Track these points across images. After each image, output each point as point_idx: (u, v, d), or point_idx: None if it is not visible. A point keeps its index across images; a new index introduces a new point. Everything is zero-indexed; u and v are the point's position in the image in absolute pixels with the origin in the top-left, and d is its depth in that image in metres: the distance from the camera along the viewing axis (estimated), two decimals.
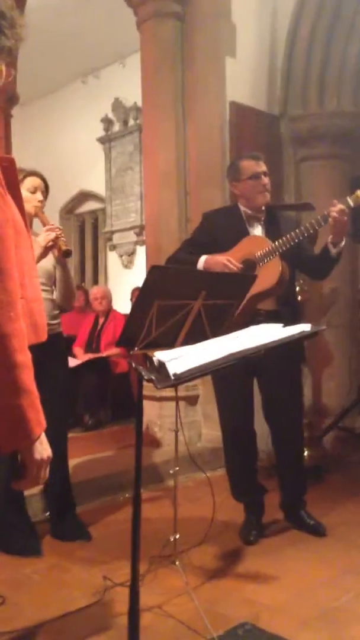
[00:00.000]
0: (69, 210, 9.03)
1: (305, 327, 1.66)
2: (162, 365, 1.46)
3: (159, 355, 1.54)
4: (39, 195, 2.76)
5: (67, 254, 2.60)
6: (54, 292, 2.91)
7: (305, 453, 3.52)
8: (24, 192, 2.66)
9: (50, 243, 2.58)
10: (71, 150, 8.33)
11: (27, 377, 1.06)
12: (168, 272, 2.24)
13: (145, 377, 1.48)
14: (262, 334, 1.58)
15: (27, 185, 2.72)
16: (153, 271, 2.08)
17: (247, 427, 2.97)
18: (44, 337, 1.28)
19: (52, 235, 2.58)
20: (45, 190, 2.82)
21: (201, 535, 2.79)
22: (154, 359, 1.56)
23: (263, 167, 2.89)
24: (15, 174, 1.24)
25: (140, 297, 2.09)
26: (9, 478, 2.74)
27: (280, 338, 1.56)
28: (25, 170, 2.78)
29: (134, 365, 1.56)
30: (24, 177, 2.74)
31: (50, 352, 2.58)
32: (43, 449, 1.14)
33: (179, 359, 1.51)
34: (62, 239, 2.60)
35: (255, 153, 2.96)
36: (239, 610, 2.22)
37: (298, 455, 3.08)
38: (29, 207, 2.67)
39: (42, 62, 7.19)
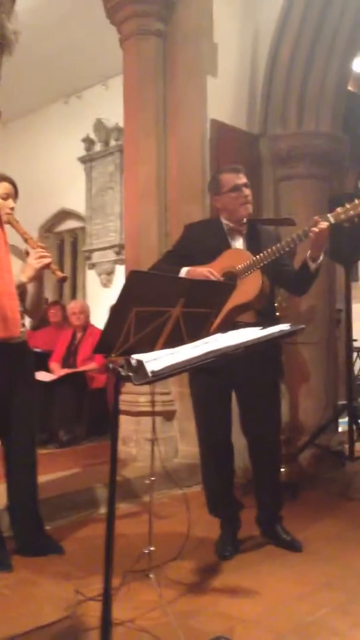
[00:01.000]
0: (48, 228, 9.02)
1: (285, 327, 1.66)
2: (140, 364, 1.44)
3: (138, 356, 1.52)
4: (10, 203, 2.71)
5: (63, 280, 2.63)
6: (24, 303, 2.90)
7: (282, 470, 3.50)
8: None
9: (45, 268, 2.59)
10: (52, 169, 8.36)
11: None
12: (147, 277, 2.23)
13: (123, 373, 1.46)
14: (241, 334, 1.58)
15: None
16: (132, 276, 2.07)
17: (225, 440, 2.95)
18: (14, 332, 1.31)
19: (47, 261, 2.58)
20: (15, 195, 2.77)
21: (176, 550, 2.75)
22: (132, 360, 1.55)
23: (243, 179, 2.90)
24: None
25: (119, 302, 2.07)
26: None
27: (260, 336, 1.56)
28: None
29: (110, 364, 1.54)
30: None
31: (15, 361, 2.55)
32: None
33: (157, 360, 1.50)
34: (52, 264, 2.62)
35: (235, 166, 2.97)
36: (214, 624, 2.18)
37: (275, 469, 3.06)
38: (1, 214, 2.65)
39: (25, 81, 7.23)
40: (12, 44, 1.42)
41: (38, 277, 2.71)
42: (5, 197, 2.69)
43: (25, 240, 2.64)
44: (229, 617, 2.24)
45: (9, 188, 2.73)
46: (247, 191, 2.90)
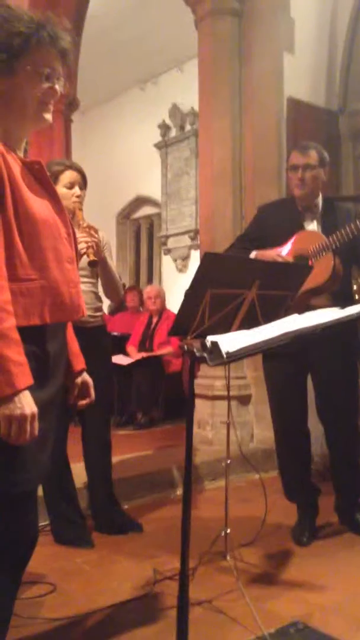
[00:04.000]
0: (125, 215, 9.16)
1: None
2: (214, 345, 1.43)
3: (212, 338, 1.51)
4: (76, 190, 2.71)
5: (92, 264, 2.56)
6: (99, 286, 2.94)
7: None
8: (61, 189, 2.65)
9: (83, 251, 2.57)
10: (128, 156, 8.46)
11: None
12: (222, 259, 2.21)
13: (197, 354, 1.46)
14: (319, 315, 1.53)
15: (63, 181, 2.69)
16: (206, 258, 2.06)
17: (300, 425, 2.90)
18: (74, 316, 1.43)
19: (83, 245, 2.54)
20: (84, 183, 2.77)
21: (253, 534, 2.74)
22: (207, 341, 1.54)
23: (304, 160, 2.74)
24: (45, 174, 1.48)
25: (193, 284, 2.06)
26: (58, 473, 2.79)
27: (339, 317, 1.51)
28: (63, 164, 2.77)
29: (184, 345, 1.54)
30: (61, 171, 2.71)
31: (92, 344, 2.60)
32: (16, 407, 1.28)
33: (232, 341, 1.48)
34: (91, 249, 2.56)
35: (306, 143, 2.83)
36: (291, 608, 2.16)
37: (353, 456, 2.96)
38: (66, 203, 2.66)
39: (102, 70, 7.35)
40: (70, 53, 1.47)
41: (102, 262, 2.70)
42: (70, 186, 2.70)
43: (79, 226, 2.65)
44: (306, 602, 2.21)
45: (75, 176, 2.73)
46: (302, 173, 2.73)
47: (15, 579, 1.49)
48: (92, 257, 2.53)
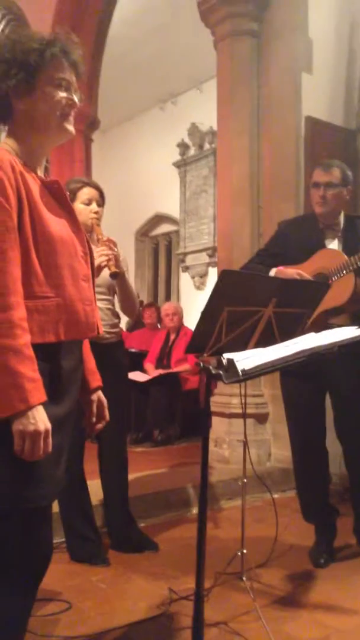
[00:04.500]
0: (144, 232, 9.24)
1: None
2: (230, 362, 1.43)
3: (229, 355, 1.51)
4: (93, 207, 2.74)
5: (114, 275, 2.58)
6: (115, 303, 2.95)
7: None
8: (79, 205, 2.69)
9: (104, 264, 2.59)
10: (148, 174, 8.56)
11: (11, 358, 1.27)
12: (239, 277, 2.21)
13: (213, 372, 1.46)
14: (335, 334, 1.53)
15: (81, 197, 2.73)
16: (224, 275, 2.06)
17: (319, 445, 2.86)
18: (89, 334, 1.44)
19: (104, 258, 2.56)
20: (102, 200, 2.79)
21: (269, 555, 2.71)
22: (223, 358, 1.54)
23: (326, 178, 2.73)
24: (63, 193, 1.50)
25: (210, 301, 2.06)
26: (74, 489, 2.79)
27: (355, 336, 1.50)
28: (81, 181, 2.80)
29: (200, 362, 1.54)
30: (79, 188, 2.74)
31: (108, 360, 2.60)
32: (29, 423, 1.29)
33: (248, 359, 1.48)
34: (112, 262, 2.57)
35: (329, 161, 2.83)
36: (308, 631, 2.12)
37: None
38: (84, 219, 2.68)
39: (122, 90, 7.47)
40: (81, 65, 1.52)
41: (121, 275, 2.71)
42: (88, 202, 2.74)
43: (98, 241, 2.68)
44: (324, 625, 2.17)
45: (93, 193, 2.76)
46: (323, 191, 2.72)
47: (29, 595, 1.49)
48: (113, 270, 2.54)
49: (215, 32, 4.40)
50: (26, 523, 1.41)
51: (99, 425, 1.70)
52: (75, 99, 1.51)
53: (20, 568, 1.43)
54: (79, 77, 1.53)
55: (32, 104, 1.46)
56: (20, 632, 1.47)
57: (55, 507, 2.71)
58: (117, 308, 3.00)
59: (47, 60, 1.45)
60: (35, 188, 1.42)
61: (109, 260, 2.56)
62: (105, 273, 2.75)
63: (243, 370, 1.39)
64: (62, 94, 1.48)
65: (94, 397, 1.68)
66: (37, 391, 1.30)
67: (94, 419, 1.68)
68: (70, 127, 1.51)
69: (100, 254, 2.56)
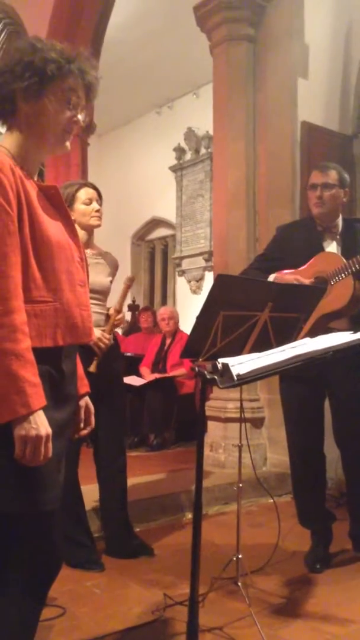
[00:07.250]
0: (140, 236, 9.24)
1: None
2: (225, 367, 1.43)
3: (224, 360, 1.51)
4: (95, 205, 2.74)
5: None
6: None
7: None
8: (80, 206, 2.70)
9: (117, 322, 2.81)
10: (144, 178, 8.56)
11: (13, 363, 1.26)
12: (234, 281, 2.21)
13: (208, 377, 1.45)
14: (331, 339, 1.53)
15: (81, 198, 2.72)
16: (219, 280, 2.06)
17: (316, 448, 2.85)
18: (85, 339, 1.44)
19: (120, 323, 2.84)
20: (100, 199, 2.79)
21: (264, 559, 2.70)
22: (218, 363, 1.54)
23: (323, 179, 2.75)
24: (59, 198, 1.50)
25: (206, 306, 2.06)
26: (68, 495, 2.77)
27: (350, 340, 1.50)
28: (77, 183, 2.80)
29: (196, 367, 1.54)
30: (78, 189, 2.73)
31: (102, 365, 2.60)
32: (31, 427, 1.28)
33: (243, 363, 1.48)
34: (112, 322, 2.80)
35: (326, 163, 2.84)
36: (303, 637, 2.11)
37: None
38: (87, 219, 2.70)
39: (118, 94, 7.47)
40: (95, 89, 1.52)
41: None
42: (89, 202, 2.73)
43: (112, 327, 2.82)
44: (319, 631, 2.17)
45: (91, 192, 2.75)
46: (320, 192, 2.73)
47: (41, 599, 1.49)
48: (93, 369, 2.63)
49: (212, 37, 4.42)
50: (35, 527, 1.41)
51: (84, 432, 1.69)
52: (81, 118, 1.51)
53: (32, 572, 1.43)
54: (89, 101, 1.52)
55: (37, 110, 1.45)
56: (31, 636, 1.47)
57: None
58: None
59: (64, 74, 1.44)
60: (33, 193, 1.42)
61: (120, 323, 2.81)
62: (103, 278, 2.76)
63: (238, 375, 1.38)
64: (68, 113, 1.47)
65: (82, 402, 1.68)
66: (38, 396, 1.30)
67: (82, 425, 1.68)
68: (67, 144, 1.51)
69: (118, 318, 2.77)
